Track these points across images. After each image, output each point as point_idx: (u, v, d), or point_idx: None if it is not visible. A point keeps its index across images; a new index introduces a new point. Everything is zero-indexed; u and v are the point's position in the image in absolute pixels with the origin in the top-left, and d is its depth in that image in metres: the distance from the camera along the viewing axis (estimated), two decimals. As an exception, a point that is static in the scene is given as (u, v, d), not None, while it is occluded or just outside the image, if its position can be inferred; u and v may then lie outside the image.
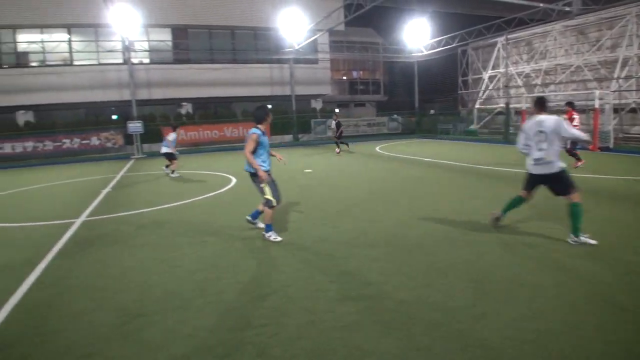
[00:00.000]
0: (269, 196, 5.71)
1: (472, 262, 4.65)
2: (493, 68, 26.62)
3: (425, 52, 28.56)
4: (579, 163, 11.13)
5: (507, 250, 5.00)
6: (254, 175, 5.76)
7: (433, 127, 28.57)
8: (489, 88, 26.87)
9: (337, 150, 18.49)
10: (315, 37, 24.60)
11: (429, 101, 33.68)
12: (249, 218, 6.37)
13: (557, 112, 21.06)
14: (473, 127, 26.55)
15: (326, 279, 4.35)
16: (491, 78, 26.86)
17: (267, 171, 5.71)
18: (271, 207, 5.75)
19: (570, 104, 11.17)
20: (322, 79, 29.26)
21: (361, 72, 39.80)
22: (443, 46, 26.79)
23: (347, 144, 19.53)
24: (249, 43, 27.50)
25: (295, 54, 26.26)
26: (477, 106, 27.41)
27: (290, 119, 27.09)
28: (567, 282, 4.04)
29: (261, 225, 6.13)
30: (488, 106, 26.95)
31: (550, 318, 3.37)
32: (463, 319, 3.40)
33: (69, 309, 3.96)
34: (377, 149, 19.99)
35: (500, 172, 11.22)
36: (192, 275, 4.65)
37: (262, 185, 5.71)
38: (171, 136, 12.85)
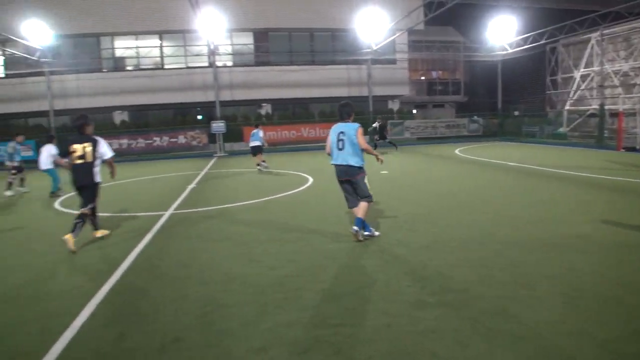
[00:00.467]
0: (370, 191, 5.70)
1: (562, 274, 4.33)
2: (586, 66, 24.68)
3: (510, 50, 27.16)
4: None
5: (602, 264, 4.61)
6: (357, 174, 5.64)
7: (517, 130, 27.09)
8: (581, 88, 24.95)
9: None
10: (394, 36, 24.32)
11: (513, 102, 31.96)
12: (357, 229, 5.61)
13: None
14: (562, 129, 24.79)
15: (404, 283, 4.27)
16: (583, 77, 24.92)
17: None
18: (371, 202, 5.71)
19: None
20: (400, 79, 28.84)
21: (440, 72, 38.72)
22: (530, 43, 25.31)
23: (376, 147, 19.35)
24: (327, 44, 27.81)
25: (373, 55, 26.14)
26: (567, 107, 25.59)
27: (366, 120, 27.00)
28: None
29: (377, 233, 5.93)
30: (579, 107, 25.04)
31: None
32: (549, 336, 3.17)
33: (158, 295, 4.24)
34: (456, 151, 19.34)
35: (591, 179, 10.39)
36: (271, 271, 4.78)
37: (365, 180, 5.67)
38: (261, 132, 14.29)
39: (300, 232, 6.38)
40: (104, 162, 6.46)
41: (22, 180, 12.08)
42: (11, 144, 11.60)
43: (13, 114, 25.54)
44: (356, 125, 5.67)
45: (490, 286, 4.11)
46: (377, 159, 6.10)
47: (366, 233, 5.78)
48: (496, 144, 23.18)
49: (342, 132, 5.63)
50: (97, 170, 6.29)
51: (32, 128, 25.55)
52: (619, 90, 22.35)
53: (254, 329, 3.47)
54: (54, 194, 10.96)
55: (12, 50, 22.84)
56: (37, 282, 4.80)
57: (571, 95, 25.57)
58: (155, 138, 24.11)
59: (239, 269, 4.89)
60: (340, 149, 5.62)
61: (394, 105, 29.84)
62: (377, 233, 5.88)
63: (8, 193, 11.50)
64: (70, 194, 10.09)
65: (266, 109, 27.82)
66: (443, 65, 38.56)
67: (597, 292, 3.87)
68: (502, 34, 26.10)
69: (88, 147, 6.17)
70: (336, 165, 5.71)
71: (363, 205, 5.65)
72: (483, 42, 28.31)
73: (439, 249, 5.32)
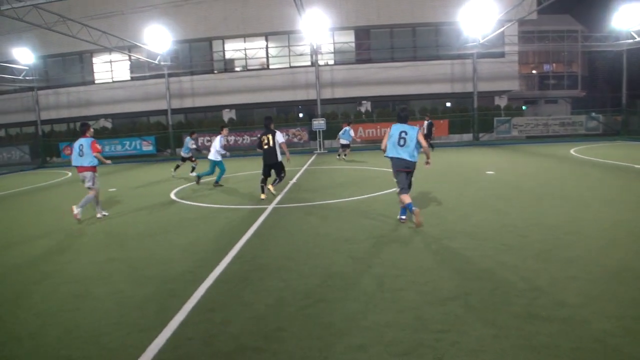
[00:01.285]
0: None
1: None
2: None
3: (638, 39, 24.22)
4: None
5: None
6: (414, 168, 6.61)
7: (646, 128, 24.12)
8: None
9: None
10: (503, 28, 22.89)
11: (640, 97, 28.50)
12: (404, 217, 6.80)
13: None
14: None
15: (512, 292, 3.99)
16: None
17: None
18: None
19: None
20: (508, 73, 27.07)
21: (554, 65, 35.77)
22: (666, 30, 22.35)
23: (432, 147, 18.82)
24: (429, 39, 27.03)
25: (479, 48, 24.87)
26: None
27: (470, 117, 25.84)
28: None
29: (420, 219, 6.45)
30: None
31: None
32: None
33: (261, 285, 4.43)
34: (572, 151, 17.71)
35: None
36: (370, 269, 4.76)
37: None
38: (352, 131, 14.88)
39: (402, 231, 6.27)
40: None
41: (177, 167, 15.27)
42: (188, 139, 14.68)
43: (136, 113, 28.48)
44: (417, 127, 6.57)
45: (614, 303, 3.68)
46: (427, 162, 6.98)
47: (404, 217, 6.84)
48: (619, 144, 20.83)
49: (404, 132, 6.47)
50: (279, 152, 9.26)
51: (152, 125, 28.26)
52: None
53: (353, 326, 3.47)
54: (217, 184, 12.00)
55: (136, 56, 25.40)
56: (152, 267, 5.26)
57: None
58: (259, 134, 25.34)
59: (340, 265, 4.93)
60: (401, 146, 6.47)
61: (502, 102, 28.16)
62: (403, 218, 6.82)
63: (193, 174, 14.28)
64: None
65: (366, 106, 27.82)
66: (557, 58, 35.58)
67: None
68: (629, 19, 23.31)
69: (270, 137, 9.23)
70: (397, 159, 6.53)
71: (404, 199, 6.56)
72: (605, 31, 25.56)
73: (553, 258, 4.89)
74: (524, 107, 30.18)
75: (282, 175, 9.49)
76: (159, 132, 27.17)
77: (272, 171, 9.51)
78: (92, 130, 8.54)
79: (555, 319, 3.44)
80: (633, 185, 9.41)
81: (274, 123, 9.61)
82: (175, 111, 27.28)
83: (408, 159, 6.47)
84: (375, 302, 3.90)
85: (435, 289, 4.14)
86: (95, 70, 29.26)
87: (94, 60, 29.17)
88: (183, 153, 14.90)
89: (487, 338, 3.20)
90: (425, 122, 19.59)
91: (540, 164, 13.99)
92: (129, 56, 26.49)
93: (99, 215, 8.46)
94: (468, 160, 15.91)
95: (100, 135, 27.31)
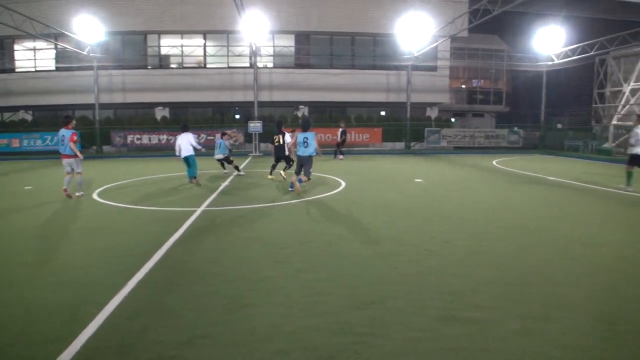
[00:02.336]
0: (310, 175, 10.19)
1: (601, 298, 4.12)
2: (637, 80, 23.60)
3: (557, 61, 26.31)
4: None
5: (629, 283, 4.37)
6: (309, 160, 9.96)
7: (559, 143, 26.18)
8: (630, 102, 23.89)
9: (341, 157, 19.88)
10: (436, 43, 23.97)
11: (556, 114, 30.91)
12: (295, 184, 10.05)
13: None
14: (607, 145, 23.81)
15: (432, 296, 4.17)
16: (633, 91, 23.84)
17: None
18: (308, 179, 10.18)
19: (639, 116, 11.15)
20: (440, 86, 28.39)
21: (482, 81, 37.92)
22: (578, 54, 24.43)
23: (341, 154, 20.30)
24: (368, 49, 27.71)
25: (413, 61, 25.87)
26: (614, 122, 24.54)
27: (403, 127, 26.75)
28: None
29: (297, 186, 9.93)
30: (628, 123, 23.96)
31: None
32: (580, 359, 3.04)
33: (185, 290, 4.31)
34: (494, 162, 18.86)
35: (635, 198, 9.90)
36: (298, 274, 4.77)
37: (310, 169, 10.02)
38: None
39: (330, 236, 6.35)
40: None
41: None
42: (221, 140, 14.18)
43: (61, 106, 26.68)
44: (314, 133, 10.13)
45: (524, 306, 3.95)
46: (318, 153, 10.30)
47: (291, 189, 10.33)
48: (536, 157, 22.45)
49: (306, 138, 9.86)
50: (285, 149, 12.24)
51: (78, 120, 26.60)
52: (673, 107, 21.27)
53: (277, 331, 3.47)
54: (194, 179, 11.87)
55: (63, 45, 23.88)
56: (68, 272, 4.96)
57: (619, 109, 24.52)
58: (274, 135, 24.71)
59: (267, 270, 4.90)
60: (305, 147, 9.86)
61: (432, 113, 29.42)
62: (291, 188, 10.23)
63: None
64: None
65: (303, 111, 27.97)
66: (485, 74, 37.75)
67: (638, 319, 3.67)
68: (549, 43, 25.31)
69: (281, 137, 12.21)
70: (300, 155, 9.95)
71: (303, 178, 9.99)
72: (528, 52, 27.54)
73: (472, 263, 5.17)
74: (453, 119, 31.70)
75: (291, 163, 12.29)
76: (85, 128, 25.63)
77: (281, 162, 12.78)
78: (74, 122, 9.84)
79: (468, 321, 3.64)
80: (548, 195, 10.16)
81: (282, 126, 12.69)
82: (103, 106, 25.87)
83: (307, 155, 9.89)
84: (300, 307, 3.92)
85: (360, 293, 4.24)
86: (16, 57, 27.14)
87: (16, 47, 27.05)
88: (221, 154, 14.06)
89: (406, 341, 3.32)
90: (340, 130, 20.34)
91: (465, 173, 14.75)
92: (55, 45, 24.84)
93: (77, 194, 9.94)
94: (399, 168, 16.44)
95: (18, 128, 25.36)
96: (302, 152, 9.88)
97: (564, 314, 3.78)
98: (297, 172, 10.09)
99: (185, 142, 11.77)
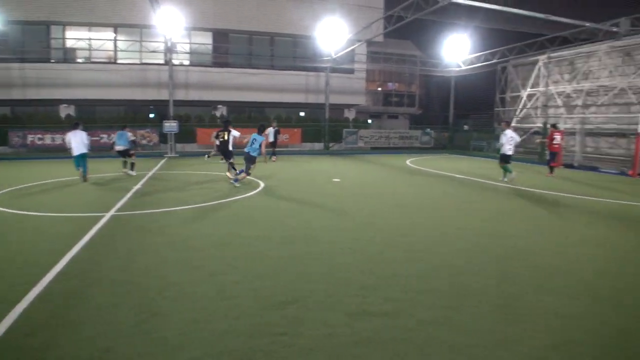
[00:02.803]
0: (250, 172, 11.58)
1: (500, 286, 4.48)
2: (532, 86, 25.95)
3: (464, 67, 28.19)
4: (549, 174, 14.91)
5: (539, 273, 4.80)
6: (254, 158, 11.30)
7: (466, 144, 28.10)
8: (527, 106, 26.22)
9: (274, 158, 19.54)
10: (353, 47, 24.64)
11: (463, 117, 33.14)
12: (237, 177, 11.58)
13: (597, 134, 20.43)
14: (508, 145, 25.95)
15: (346, 292, 4.28)
16: (530, 96, 26.18)
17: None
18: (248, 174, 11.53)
19: (553, 125, 15.43)
20: (357, 89, 29.24)
21: (397, 84, 39.58)
22: (482, 62, 26.38)
23: (274, 155, 20.08)
24: (287, 50, 27.79)
25: (332, 63, 26.36)
26: (513, 124, 26.75)
27: (321, 127, 27.15)
28: (602, 313, 3.84)
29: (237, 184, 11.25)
30: (525, 125, 26.29)
31: (576, 351, 3.21)
32: (484, 344, 3.28)
33: (91, 302, 4.03)
34: (408, 162, 19.77)
35: (531, 193, 10.87)
36: (211, 277, 4.66)
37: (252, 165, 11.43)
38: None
39: (245, 238, 6.28)
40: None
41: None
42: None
43: (-54, 102, 23.85)
44: (263, 137, 11.33)
45: (433, 296, 4.18)
46: (266, 160, 12.57)
47: (232, 179, 11.77)
48: (445, 157, 23.88)
49: (255, 139, 11.15)
50: (230, 145, 12.71)
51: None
52: (562, 110, 23.64)
53: (189, 338, 3.35)
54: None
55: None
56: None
57: (517, 113, 26.79)
58: (102, 135, 23.12)
59: (179, 275, 4.73)
60: (251, 145, 11.10)
61: (350, 114, 30.20)
62: (237, 184, 11.46)
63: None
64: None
65: (221, 111, 27.39)
66: (400, 78, 39.46)
67: (530, 303, 4.03)
68: (457, 51, 27.10)
69: (227, 134, 12.63)
70: (246, 152, 11.18)
71: (241, 175, 11.51)
72: (439, 58, 29.22)
73: (385, 259, 5.37)
74: (369, 121, 32.76)
75: (231, 161, 12.90)
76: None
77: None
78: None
79: (381, 314, 3.78)
80: (455, 191, 10.83)
81: (231, 124, 13.22)
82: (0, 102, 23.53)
83: (252, 153, 11.14)
84: (214, 311, 3.83)
85: (274, 294, 4.23)
86: None
87: None
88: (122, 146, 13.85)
89: (321, 337, 3.37)
90: (272, 129, 20.20)
91: (381, 173, 15.31)
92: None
93: None
94: (318, 168, 16.68)
95: None
96: (249, 150, 11.15)
97: (469, 301, 4.05)
98: (245, 172, 11.46)
99: (79, 140, 12.01)
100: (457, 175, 14.38)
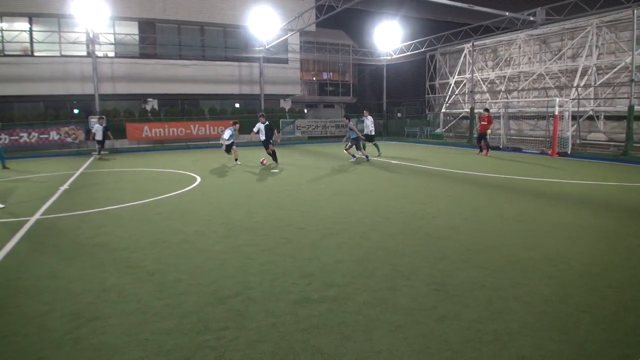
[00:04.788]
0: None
1: (435, 265, 4.71)
2: (459, 73, 27.20)
3: (395, 56, 28.94)
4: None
5: (469, 252, 5.09)
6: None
7: (400, 130, 29.00)
8: (455, 93, 27.45)
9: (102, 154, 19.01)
10: (286, 37, 24.51)
11: (397, 104, 34.05)
12: None
13: (520, 117, 21.77)
14: (439, 130, 27.06)
15: (289, 281, 4.31)
16: (457, 83, 27.44)
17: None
18: None
19: (486, 109, 17.24)
20: (291, 79, 29.16)
21: (331, 74, 39.88)
22: (412, 50, 27.21)
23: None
24: (218, 40, 27.11)
25: (265, 53, 26.08)
26: (443, 110, 27.94)
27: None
28: (528, 283, 4.14)
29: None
30: (454, 110, 27.53)
31: (508, 319, 3.45)
32: (425, 321, 3.44)
33: (18, 313, 3.77)
34: (344, 150, 20.01)
35: (460, 174, 11.45)
36: (151, 277, 4.52)
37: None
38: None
39: (184, 234, 6.13)
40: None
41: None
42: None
43: None
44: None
45: (372, 279, 4.31)
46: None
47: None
48: (381, 143, 24.47)
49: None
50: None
51: None
52: (487, 96, 24.97)
53: (130, 341, 3.24)
54: None
55: None
56: None
57: (447, 99, 27.97)
58: (22, 134, 21.47)
59: (116, 277, 4.54)
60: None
61: (286, 105, 30.11)
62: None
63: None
64: None
65: (152, 104, 26.32)
66: (334, 67, 39.76)
67: (463, 279, 4.27)
68: (388, 40, 27.75)
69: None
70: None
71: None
72: (371, 47, 29.75)
73: (324, 245, 5.46)
74: (305, 110, 32.87)
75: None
76: None
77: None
78: None
79: (325, 300, 3.85)
80: (390, 176, 11.16)
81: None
82: None
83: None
84: (155, 311, 3.72)
85: (218, 288, 4.18)
86: None
87: None
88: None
89: (266, 328, 3.38)
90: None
91: (318, 162, 15.46)
92: None
93: None
94: (255, 161, 16.51)
95: None
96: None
97: (407, 282, 4.22)
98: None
99: None
100: (392, 162, 14.82)
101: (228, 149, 15.02)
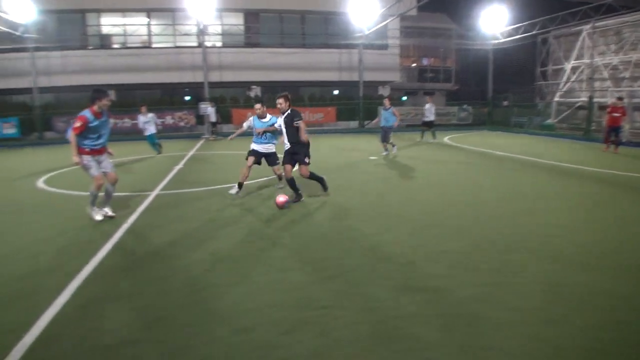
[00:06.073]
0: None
1: (546, 264, 4.37)
2: (576, 58, 24.78)
3: (502, 40, 27.13)
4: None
5: (585, 254, 4.66)
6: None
7: (506, 120, 27.20)
8: (571, 80, 25.09)
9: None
10: (386, 22, 24.09)
11: (503, 91, 31.98)
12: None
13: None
14: (550, 121, 24.98)
15: (391, 267, 4.28)
16: (574, 69, 25.04)
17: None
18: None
19: (619, 98, 14.71)
20: (390, 65, 28.69)
21: (431, 60, 38.64)
22: (522, 33, 25.30)
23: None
24: (319, 28, 27.50)
25: (364, 39, 25.92)
26: (556, 99, 25.73)
27: (356, 105, 26.90)
28: (654, 290, 3.71)
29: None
30: (569, 99, 25.22)
31: (627, 329, 3.11)
32: (534, 322, 3.21)
33: (144, 275, 4.20)
34: (446, 139, 19.39)
35: (580, 170, 10.49)
36: (259, 252, 4.77)
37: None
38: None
39: (287, 214, 6.36)
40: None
41: None
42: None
43: (-4, 90, 24.90)
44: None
45: (478, 273, 4.13)
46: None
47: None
48: (484, 133, 23.27)
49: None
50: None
51: (14, 105, 24.94)
52: (608, 83, 22.53)
53: (239, 309, 3.46)
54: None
55: (-6, 25, 22.17)
56: (20, 261, 4.71)
57: (561, 86, 25.71)
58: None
59: (227, 250, 4.86)
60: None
61: (384, 91, 29.74)
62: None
63: None
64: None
65: (255, 91, 27.53)
66: (434, 53, 38.47)
67: (577, 282, 3.92)
68: (494, 22, 26.06)
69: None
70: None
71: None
72: (475, 30, 28.25)
73: (428, 235, 5.34)
74: (404, 98, 32.20)
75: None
76: (23, 114, 24.02)
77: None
78: (104, 101, 6.02)
79: (425, 290, 3.77)
80: (495, 169, 10.59)
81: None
82: (43, 90, 24.38)
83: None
84: (263, 285, 3.92)
85: (321, 268, 4.28)
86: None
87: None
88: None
89: (366, 311, 3.40)
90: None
91: (419, 150, 15.10)
92: (-16, 25, 23.03)
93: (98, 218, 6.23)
94: (354, 147, 16.60)
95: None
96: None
97: (515, 279, 3.98)
98: None
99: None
100: (497, 152, 14.02)
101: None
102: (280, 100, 7.04)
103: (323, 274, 4.13)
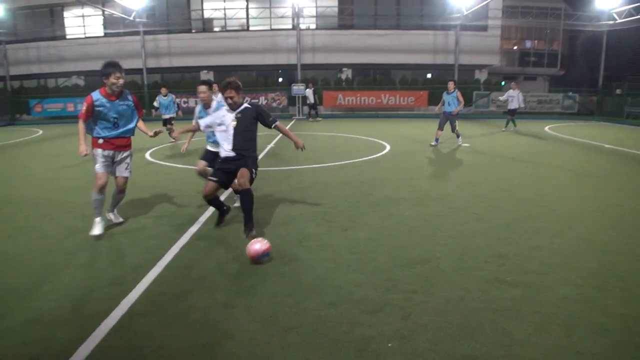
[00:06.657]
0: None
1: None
2: None
3: (619, 20, 24.41)
4: None
5: None
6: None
7: (618, 110, 24.57)
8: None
9: (314, 119, 22.00)
10: (487, 1, 22.75)
11: (616, 79, 28.89)
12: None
13: None
14: (672, 112, 22.19)
15: (480, 258, 4.12)
16: None
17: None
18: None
19: None
20: (490, 47, 27.07)
21: (536, 42, 35.91)
22: (644, 13, 22.60)
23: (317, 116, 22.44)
24: (414, 8, 26.69)
25: (462, 20, 24.71)
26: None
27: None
28: None
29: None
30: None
31: None
32: (637, 331, 2.93)
33: (236, 244, 4.44)
34: (546, 128, 18.05)
35: None
36: (344, 232, 4.84)
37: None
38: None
39: (375, 197, 6.36)
40: None
41: None
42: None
43: (110, 70, 27.39)
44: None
45: (575, 272, 3.83)
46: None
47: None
48: (592, 124, 21.29)
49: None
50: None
51: (127, 84, 27.27)
52: None
53: (325, 284, 3.54)
54: None
55: (110, 11, 24.31)
56: (125, 232, 5.21)
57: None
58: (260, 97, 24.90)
59: (313, 228, 4.98)
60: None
61: (482, 76, 28.23)
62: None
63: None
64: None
65: (347, 73, 27.54)
66: (539, 35, 35.68)
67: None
68: (610, 1, 23.48)
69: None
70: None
71: None
72: (587, 10, 25.68)
73: (521, 228, 5.04)
74: (502, 83, 30.38)
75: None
76: (134, 92, 26.22)
77: None
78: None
79: (518, 285, 3.57)
80: (602, 163, 9.69)
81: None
82: (150, 70, 26.44)
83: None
84: (347, 263, 3.97)
85: (407, 253, 4.24)
86: (66, 24, 27.97)
87: (65, 14, 27.82)
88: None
89: (453, 300, 3.31)
90: (310, 90, 22.29)
91: (516, 140, 14.24)
92: (103, 11, 25.35)
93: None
94: (446, 132, 16.03)
95: (73, 92, 26.30)
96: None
97: (619, 284, 3.62)
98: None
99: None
100: (606, 145, 12.79)
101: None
102: (230, 91, 4.71)
103: (408, 259, 4.08)
